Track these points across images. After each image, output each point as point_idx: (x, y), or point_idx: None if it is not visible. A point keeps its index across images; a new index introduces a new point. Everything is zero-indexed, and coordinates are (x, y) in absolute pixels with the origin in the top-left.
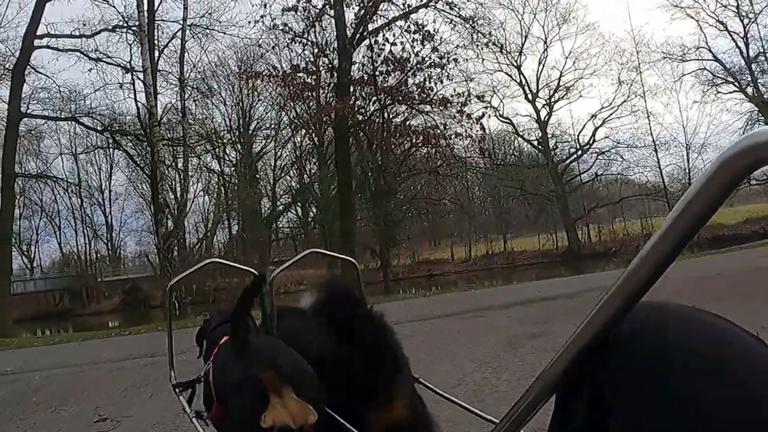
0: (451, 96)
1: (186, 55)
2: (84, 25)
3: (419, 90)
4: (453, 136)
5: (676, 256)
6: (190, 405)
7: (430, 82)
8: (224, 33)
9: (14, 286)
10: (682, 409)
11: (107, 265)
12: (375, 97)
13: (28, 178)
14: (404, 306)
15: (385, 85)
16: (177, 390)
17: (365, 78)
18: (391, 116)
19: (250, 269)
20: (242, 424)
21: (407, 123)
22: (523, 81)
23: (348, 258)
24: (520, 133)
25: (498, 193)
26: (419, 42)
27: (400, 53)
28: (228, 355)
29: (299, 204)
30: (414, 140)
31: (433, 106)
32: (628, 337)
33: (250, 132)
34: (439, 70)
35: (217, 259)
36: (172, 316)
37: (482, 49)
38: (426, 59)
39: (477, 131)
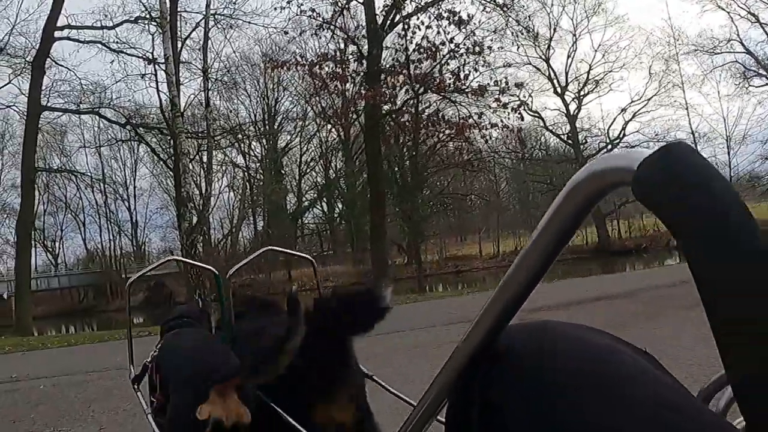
0: (488, 84)
1: (209, 45)
2: (105, 16)
3: (454, 78)
4: (489, 127)
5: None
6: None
7: (464, 70)
8: (249, 22)
9: (38, 283)
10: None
11: (132, 262)
12: (407, 86)
13: (52, 174)
14: (449, 305)
15: (417, 72)
16: (135, 386)
17: (396, 66)
18: (421, 106)
19: (210, 267)
20: (178, 416)
21: (440, 113)
22: (552, 74)
23: (304, 255)
24: (549, 128)
25: (526, 188)
26: (454, 25)
27: (434, 39)
28: (177, 348)
29: (325, 200)
30: (446, 131)
31: (468, 95)
32: (507, 356)
33: (275, 127)
34: (474, 57)
35: (176, 257)
36: (131, 312)
37: (517, 36)
38: (460, 46)
39: (515, 121)
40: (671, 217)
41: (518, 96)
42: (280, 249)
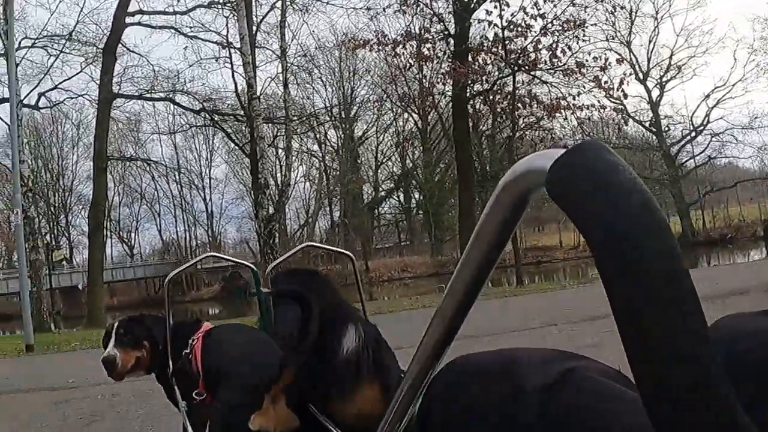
0: (586, 60)
1: (286, 30)
2: (177, 0)
3: (550, 54)
4: (585, 108)
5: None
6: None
7: (560, 45)
8: (327, 2)
9: (114, 273)
10: None
11: (207, 252)
12: (498, 64)
13: (127, 165)
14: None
15: (510, 49)
16: (173, 379)
17: (484, 44)
18: (508, 87)
19: (246, 263)
20: (226, 417)
21: (532, 93)
22: (634, 60)
23: (344, 251)
24: (632, 115)
25: None
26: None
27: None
28: (226, 343)
29: (402, 190)
30: (538, 114)
31: (563, 73)
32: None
33: (351, 116)
34: (571, 32)
35: (214, 253)
36: (171, 309)
37: (612, 12)
38: (554, 22)
39: (617, 98)
40: (577, 222)
41: (624, 72)
42: (320, 245)
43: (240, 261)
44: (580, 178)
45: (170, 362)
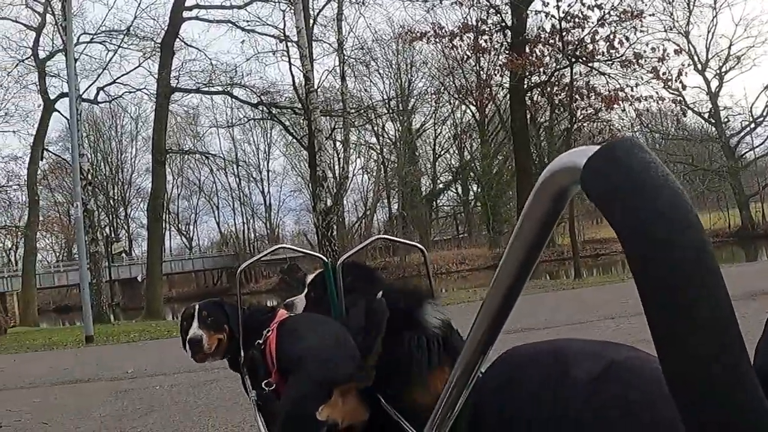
0: (643, 51)
1: (342, 23)
2: None
3: (608, 45)
4: (642, 99)
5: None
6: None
7: (618, 35)
8: None
9: (172, 265)
10: None
11: (265, 245)
12: (555, 56)
13: (186, 158)
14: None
15: (567, 40)
16: (243, 369)
17: (542, 36)
18: (565, 79)
19: (318, 254)
20: (295, 408)
21: (589, 84)
22: (692, 50)
23: (416, 244)
24: (690, 106)
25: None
26: None
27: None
28: (300, 334)
29: (459, 182)
30: (596, 105)
31: (621, 64)
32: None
33: (409, 108)
34: (629, 23)
35: (285, 245)
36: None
37: (670, 2)
38: (611, 13)
39: (676, 89)
40: (609, 219)
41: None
42: (392, 238)
43: (312, 253)
44: (611, 176)
45: (242, 351)
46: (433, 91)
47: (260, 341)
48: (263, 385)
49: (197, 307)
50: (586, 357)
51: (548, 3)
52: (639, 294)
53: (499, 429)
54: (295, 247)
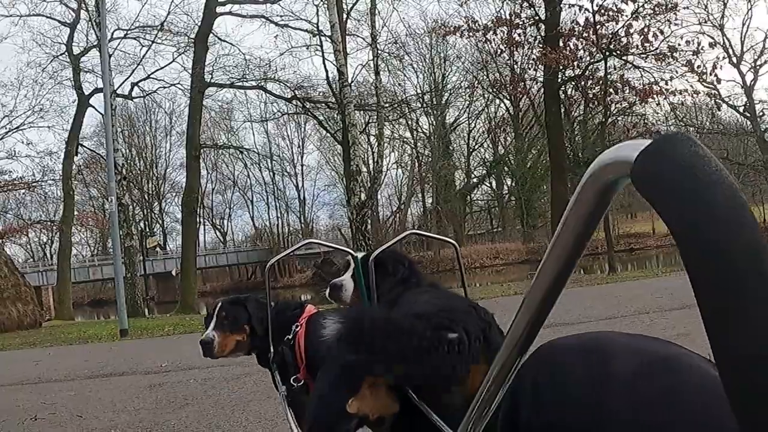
0: (678, 44)
1: (376, 17)
2: None
3: (642, 38)
4: (677, 93)
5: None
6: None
7: (652, 29)
8: None
9: (207, 260)
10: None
11: (299, 239)
12: (589, 49)
13: (220, 153)
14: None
15: (601, 34)
16: (273, 365)
17: (575, 29)
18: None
19: (346, 249)
20: (323, 401)
21: (624, 78)
22: (727, 44)
23: (447, 239)
24: (725, 99)
25: None
26: None
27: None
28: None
29: (493, 176)
30: (630, 99)
31: (655, 58)
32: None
33: (442, 102)
34: (663, 15)
35: (314, 240)
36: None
37: None
38: (647, 3)
39: (710, 82)
40: (662, 214)
41: (714, 60)
42: (424, 233)
43: (340, 247)
44: (665, 170)
45: (271, 347)
46: (466, 85)
47: (289, 337)
48: (291, 381)
49: (217, 306)
50: (626, 352)
51: None
52: (693, 292)
53: (537, 426)
54: (323, 242)
